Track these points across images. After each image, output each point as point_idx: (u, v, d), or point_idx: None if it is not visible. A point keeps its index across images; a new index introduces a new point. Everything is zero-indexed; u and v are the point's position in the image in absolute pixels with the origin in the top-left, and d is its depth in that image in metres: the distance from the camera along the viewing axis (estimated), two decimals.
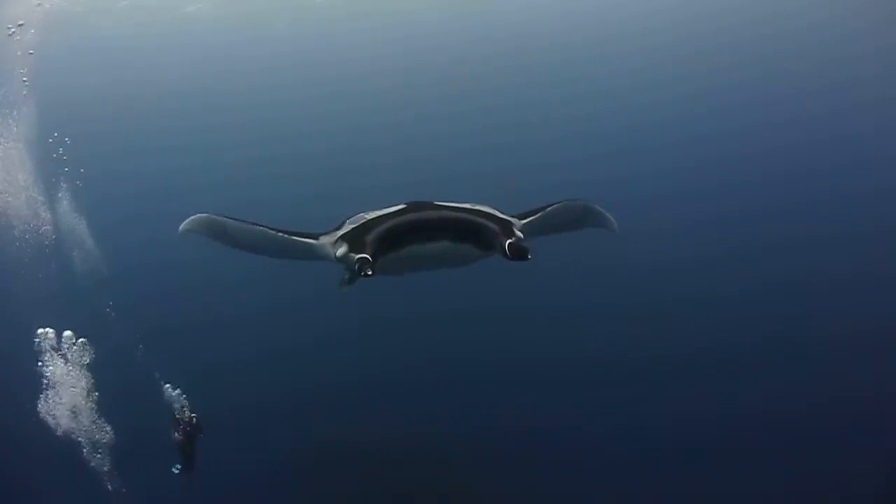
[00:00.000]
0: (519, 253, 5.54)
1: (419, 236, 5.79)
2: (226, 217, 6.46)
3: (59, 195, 14.50)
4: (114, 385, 10.78)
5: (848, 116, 24.76)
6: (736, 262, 16.61)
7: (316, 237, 6.44)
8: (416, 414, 12.54)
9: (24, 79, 16.27)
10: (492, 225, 5.89)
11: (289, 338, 14.77)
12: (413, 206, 6.07)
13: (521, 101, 30.17)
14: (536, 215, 6.87)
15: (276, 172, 24.63)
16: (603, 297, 15.47)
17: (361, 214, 6.24)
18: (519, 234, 6.00)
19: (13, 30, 17.35)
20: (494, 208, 6.45)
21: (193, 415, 10.18)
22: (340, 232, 6.19)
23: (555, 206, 6.96)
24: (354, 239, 5.89)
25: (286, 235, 6.43)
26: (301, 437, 12.31)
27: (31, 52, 16.95)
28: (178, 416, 10.17)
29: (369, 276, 5.39)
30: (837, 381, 12.19)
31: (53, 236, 13.57)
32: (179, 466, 10.27)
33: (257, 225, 6.40)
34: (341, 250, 5.93)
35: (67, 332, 10.46)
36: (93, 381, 10.29)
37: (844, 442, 11.02)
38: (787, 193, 19.60)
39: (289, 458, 11.94)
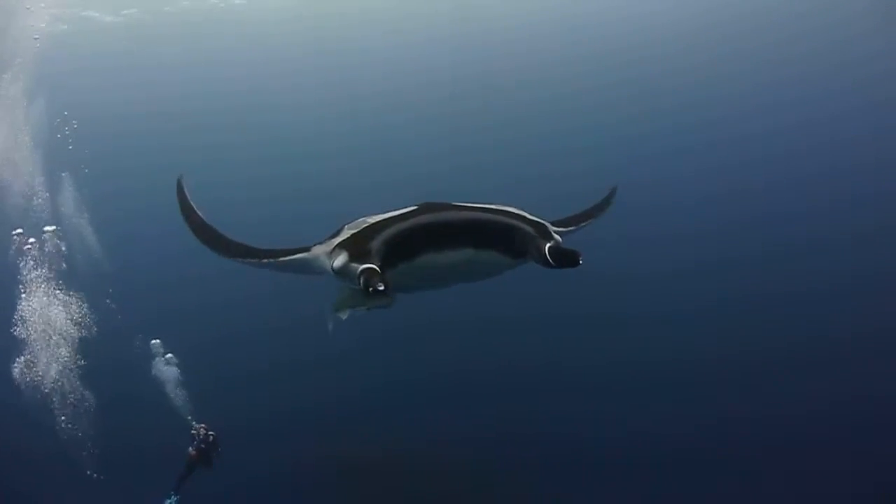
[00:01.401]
0: (565, 258, 4.52)
1: (436, 242, 4.73)
2: (210, 231, 5.58)
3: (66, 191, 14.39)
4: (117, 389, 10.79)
5: (850, 120, 24.79)
6: (739, 267, 16.61)
7: (307, 249, 5.39)
8: (425, 423, 12.48)
9: (36, 36, 16.24)
10: (525, 227, 4.87)
11: (296, 348, 14.66)
12: (427, 207, 5.02)
13: (523, 109, 30.17)
14: (589, 220, 6.02)
15: (286, 176, 24.76)
16: (607, 302, 15.46)
17: (363, 218, 5.19)
18: (557, 237, 5.01)
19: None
20: (523, 210, 5.35)
21: (211, 433, 10.04)
22: (338, 239, 5.14)
23: (603, 207, 6.18)
24: (355, 247, 4.79)
25: (270, 259, 5.46)
26: (310, 449, 12.21)
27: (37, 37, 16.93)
28: (193, 431, 10.04)
29: (381, 291, 4.27)
30: (853, 382, 12.10)
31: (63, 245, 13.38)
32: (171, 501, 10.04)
33: (237, 256, 5.47)
34: (339, 260, 4.79)
35: (48, 228, 10.17)
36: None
37: (847, 444, 10.98)
38: (791, 199, 19.61)
39: (297, 470, 11.85)
